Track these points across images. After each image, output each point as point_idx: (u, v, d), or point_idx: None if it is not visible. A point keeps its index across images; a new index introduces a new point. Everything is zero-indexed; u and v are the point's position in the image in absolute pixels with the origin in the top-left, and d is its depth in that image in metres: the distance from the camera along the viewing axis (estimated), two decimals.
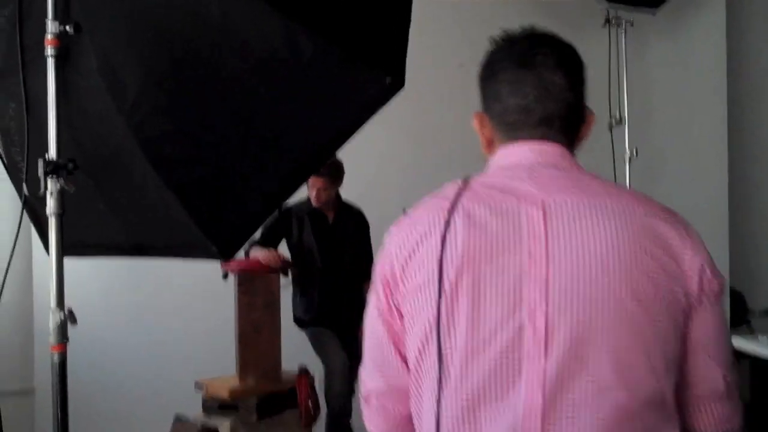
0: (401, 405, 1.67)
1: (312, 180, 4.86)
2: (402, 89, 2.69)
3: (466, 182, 1.63)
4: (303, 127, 2.68)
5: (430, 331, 1.53)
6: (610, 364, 1.45)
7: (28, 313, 5.73)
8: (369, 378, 1.73)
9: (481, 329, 1.48)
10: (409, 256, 1.59)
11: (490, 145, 1.75)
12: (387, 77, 2.57)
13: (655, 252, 1.51)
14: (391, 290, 1.63)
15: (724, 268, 6.15)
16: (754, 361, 3.83)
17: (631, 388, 1.45)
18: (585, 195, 1.56)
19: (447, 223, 1.55)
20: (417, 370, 1.59)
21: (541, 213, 1.52)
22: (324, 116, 2.65)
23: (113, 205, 2.82)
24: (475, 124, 1.77)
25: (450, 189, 1.63)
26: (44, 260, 5.12)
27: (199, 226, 2.72)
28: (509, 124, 1.67)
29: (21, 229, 2.71)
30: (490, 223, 1.52)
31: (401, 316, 1.61)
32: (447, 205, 1.58)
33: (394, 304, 1.63)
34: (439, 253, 1.53)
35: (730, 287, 6.20)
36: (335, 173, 4.92)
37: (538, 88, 1.62)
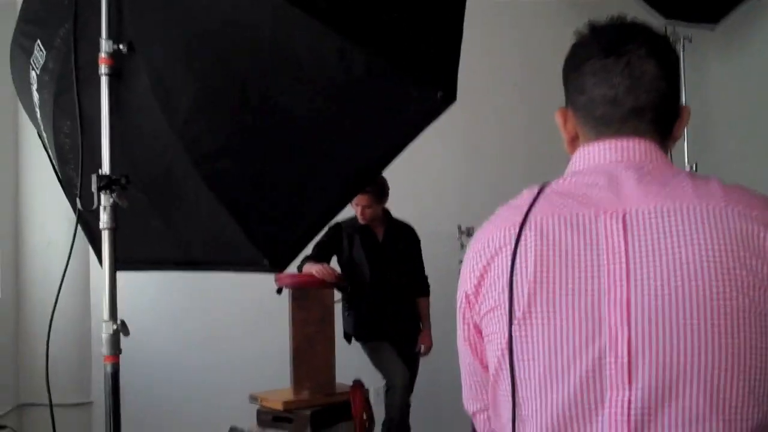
0: None
1: (357, 198, 4.87)
2: (454, 103, 2.65)
3: (541, 189, 1.50)
4: (353, 143, 2.67)
5: (503, 357, 1.43)
6: (702, 393, 1.30)
7: (86, 327, 5.81)
8: (470, 402, 1.68)
9: (558, 357, 1.36)
10: (482, 277, 1.49)
11: (573, 143, 1.59)
12: (438, 92, 2.54)
13: (753, 264, 1.31)
14: (470, 312, 1.53)
15: None
16: None
17: (728, 418, 1.30)
18: (672, 200, 1.37)
19: (517, 240, 1.42)
20: (494, 394, 1.51)
21: (620, 225, 1.37)
22: (374, 132, 2.64)
23: (167, 220, 2.85)
24: (557, 119, 1.61)
25: (525, 198, 1.50)
26: (102, 275, 5.21)
27: (251, 241, 2.74)
28: (596, 119, 1.51)
29: (78, 245, 2.75)
30: (563, 238, 1.39)
31: (482, 337, 1.52)
32: (519, 218, 1.45)
33: (474, 326, 1.53)
34: (508, 274, 1.41)
35: None
36: (379, 191, 4.93)
37: (628, 77, 1.46)
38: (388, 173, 4.92)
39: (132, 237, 2.75)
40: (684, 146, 5.30)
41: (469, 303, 1.52)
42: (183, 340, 5.87)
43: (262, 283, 4.85)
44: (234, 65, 2.55)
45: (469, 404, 1.68)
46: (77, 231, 2.70)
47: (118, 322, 2.64)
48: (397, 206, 5.19)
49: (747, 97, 6.06)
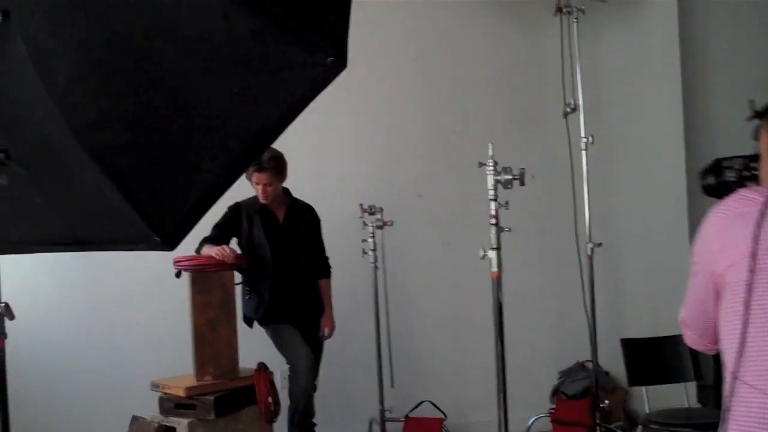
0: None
1: (256, 176, 4.79)
2: (349, 74, 2.60)
3: None
4: (242, 112, 2.60)
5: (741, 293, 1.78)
6: None
7: None
8: (687, 320, 2.09)
9: None
10: (727, 235, 1.82)
11: None
12: (328, 57, 2.48)
13: None
14: (711, 263, 1.87)
15: (684, 256, 6.15)
16: None
17: None
18: None
19: (762, 213, 1.76)
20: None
21: None
22: (263, 100, 2.57)
23: (50, 197, 2.73)
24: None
25: (758, 192, 1.87)
26: None
27: (140, 216, 2.64)
28: None
29: None
30: None
31: (720, 284, 1.85)
32: (760, 199, 1.80)
33: (713, 276, 1.87)
34: (753, 234, 1.75)
35: None
36: (278, 166, 4.84)
37: None
38: (286, 153, 4.87)
39: (12, 217, 2.63)
40: (580, 118, 5.36)
41: (713, 259, 1.90)
42: (78, 326, 5.70)
43: (162, 267, 4.74)
44: (114, 30, 2.44)
45: (688, 326, 2.12)
46: None
47: (2, 304, 2.53)
48: (297, 186, 5.12)
49: (641, 67, 6.18)
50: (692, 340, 2.08)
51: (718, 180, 2.40)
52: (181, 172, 2.65)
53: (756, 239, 1.74)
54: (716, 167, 2.42)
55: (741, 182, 2.24)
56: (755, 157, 2.11)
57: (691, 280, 1.97)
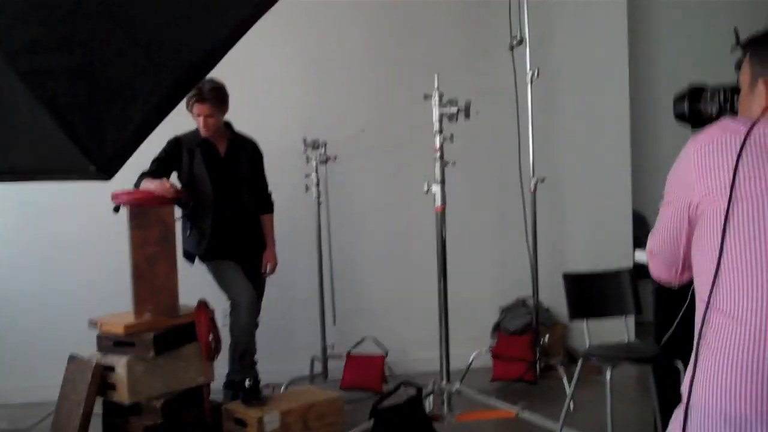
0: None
1: (197, 108, 4.66)
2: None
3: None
4: (183, 33, 2.47)
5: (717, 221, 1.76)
6: None
7: None
8: (655, 250, 2.05)
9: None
10: (706, 165, 1.78)
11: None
12: None
13: None
14: (686, 194, 1.84)
15: (626, 192, 6.21)
16: None
17: None
18: None
19: (743, 143, 1.74)
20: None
21: None
22: (204, 22, 2.44)
23: None
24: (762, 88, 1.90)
25: (740, 122, 1.82)
26: None
27: (75, 144, 2.51)
28: None
29: None
30: None
31: (694, 215, 1.84)
32: (743, 129, 1.77)
33: (689, 207, 1.84)
34: (733, 164, 1.73)
35: (633, 210, 6.27)
36: (220, 97, 4.71)
37: None
38: (228, 85, 4.73)
39: None
40: (527, 51, 5.31)
41: (689, 187, 1.85)
42: (13, 263, 5.56)
43: (99, 202, 4.61)
44: None
45: (655, 251, 2.07)
46: None
47: None
48: (238, 120, 4.99)
49: (585, 2, 6.13)
50: (659, 270, 2.07)
51: (692, 108, 2.38)
52: (118, 98, 2.53)
53: (735, 169, 1.72)
54: (693, 94, 2.39)
55: (720, 113, 2.23)
56: (736, 89, 2.08)
57: (663, 210, 1.96)
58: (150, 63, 2.53)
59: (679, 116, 2.46)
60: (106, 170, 2.66)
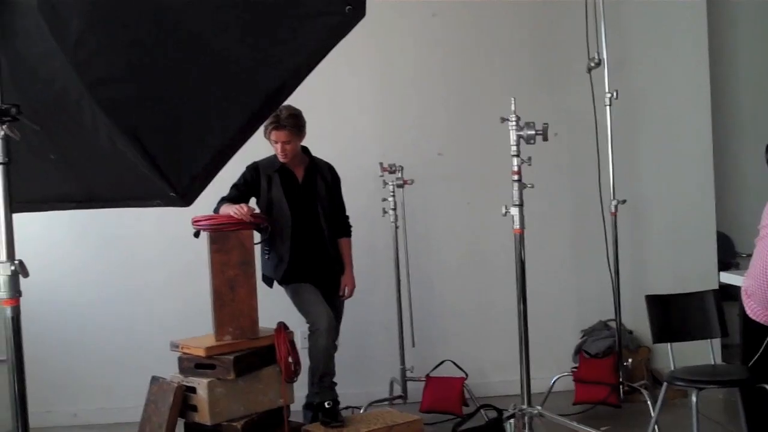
0: None
1: (275, 134, 4.72)
2: (368, 31, 2.52)
3: None
4: (260, 63, 2.53)
5: None
6: None
7: None
8: (750, 290, 2.15)
9: None
10: None
11: None
12: (347, 6, 2.41)
13: None
14: None
15: (710, 212, 6.08)
16: None
17: None
18: None
19: None
20: None
21: None
22: (281, 51, 2.50)
23: (64, 153, 2.69)
24: None
25: None
26: None
27: (156, 171, 2.59)
28: None
29: None
30: None
31: None
32: None
33: None
34: None
35: (718, 231, 6.14)
36: (297, 123, 4.77)
37: None
38: (304, 111, 4.80)
39: (27, 174, 2.58)
40: (605, 73, 5.26)
41: None
42: (96, 288, 5.71)
43: (181, 227, 4.71)
44: None
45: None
46: None
47: (16, 262, 2.48)
48: (316, 145, 5.04)
49: (666, 21, 6.07)
50: (755, 312, 2.01)
51: None
52: (198, 127, 2.60)
53: None
54: None
55: None
56: None
57: (758, 247, 1.91)
58: (228, 92, 2.59)
59: None
60: (186, 197, 2.74)
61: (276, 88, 2.57)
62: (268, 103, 2.62)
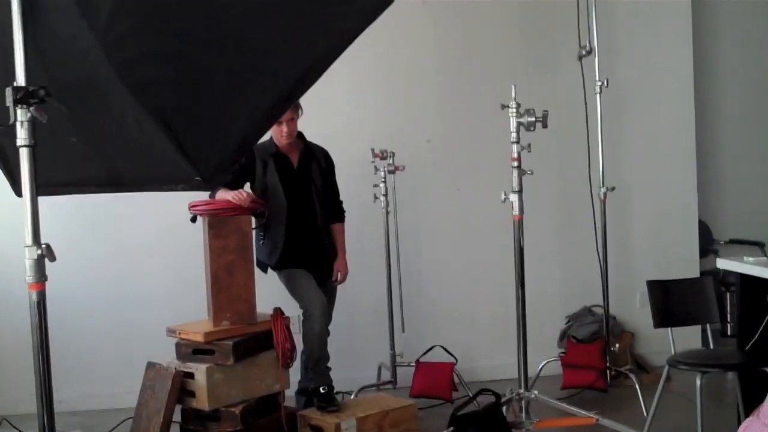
0: None
1: None
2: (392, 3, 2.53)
3: None
4: (291, 46, 2.53)
5: None
6: None
7: None
8: None
9: None
10: None
11: None
12: None
13: None
14: None
15: (692, 200, 6.17)
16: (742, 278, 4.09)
17: None
18: None
19: None
20: None
21: None
22: (313, 34, 2.50)
23: (89, 135, 2.66)
24: None
25: None
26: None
27: (182, 154, 2.58)
28: None
29: None
30: None
31: None
32: None
33: None
34: None
35: (699, 219, 6.23)
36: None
37: None
38: None
39: (48, 157, 2.55)
40: (595, 61, 5.31)
41: None
42: (88, 272, 5.65)
43: (176, 213, 4.68)
44: None
45: None
46: None
47: (43, 245, 2.46)
48: (307, 130, 5.02)
49: (654, 10, 6.13)
50: None
51: None
52: (226, 110, 2.59)
53: None
54: None
55: None
56: None
57: None
58: (255, 80, 2.58)
59: None
60: (210, 181, 2.73)
61: (306, 70, 2.57)
62: (298, 86, 2.62)
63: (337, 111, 5.75)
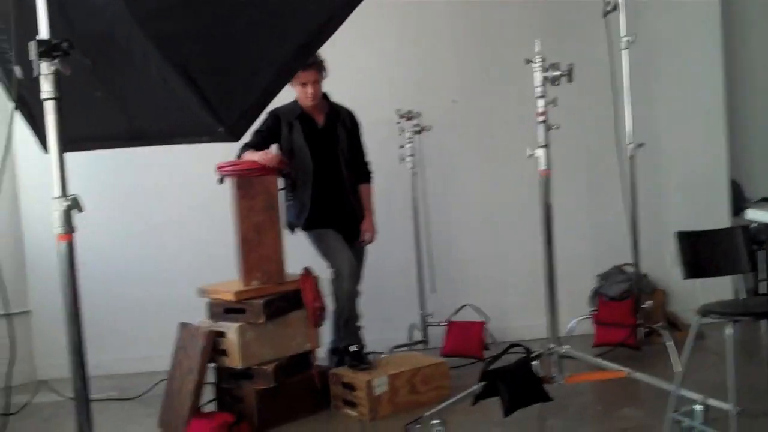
0: None
1: (304, 75, 4.71)
2: None
3: None
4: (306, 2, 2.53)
5: None
6: None
7: (18, 235, 5.68)
8: None
9: None
10: None
11: None
12: None
13: None
14: None
15: (722, 160, 6.10)
16: None
17: None
18: None
19: None
20: None
21: None
22: None
23: (112, 89, 2.69)
24: None
25: None
26: (31, 186, 5.03)
27: (205, 106, 2.60)
28: None
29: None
30: None
31: None
32: None
33: None
34: None
35: (731, 178, 6.17)
36: (321, 63, 4.77)
37: None
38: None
39: (73, 112, 2.58)
40: (621, 17, 5.24)
41: None
42: (118, 236, 5.74)
43: (204, 174, 4.71)
44: None
45: None
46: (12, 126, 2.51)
47: (71, 197, 2.49)
48: (333, 92, 5.03)
49: None
50: None
51: None
52: (248, 61, 2.60)
53: None
54: None
55: None
56: None
57: None
58: (276, 29, 2.59)
59: None
60: (234, 132, 2.75)
61: (325, 20, 2.57)
62: (317, 36, 2.62)
63: (362, 73, 5.74)
